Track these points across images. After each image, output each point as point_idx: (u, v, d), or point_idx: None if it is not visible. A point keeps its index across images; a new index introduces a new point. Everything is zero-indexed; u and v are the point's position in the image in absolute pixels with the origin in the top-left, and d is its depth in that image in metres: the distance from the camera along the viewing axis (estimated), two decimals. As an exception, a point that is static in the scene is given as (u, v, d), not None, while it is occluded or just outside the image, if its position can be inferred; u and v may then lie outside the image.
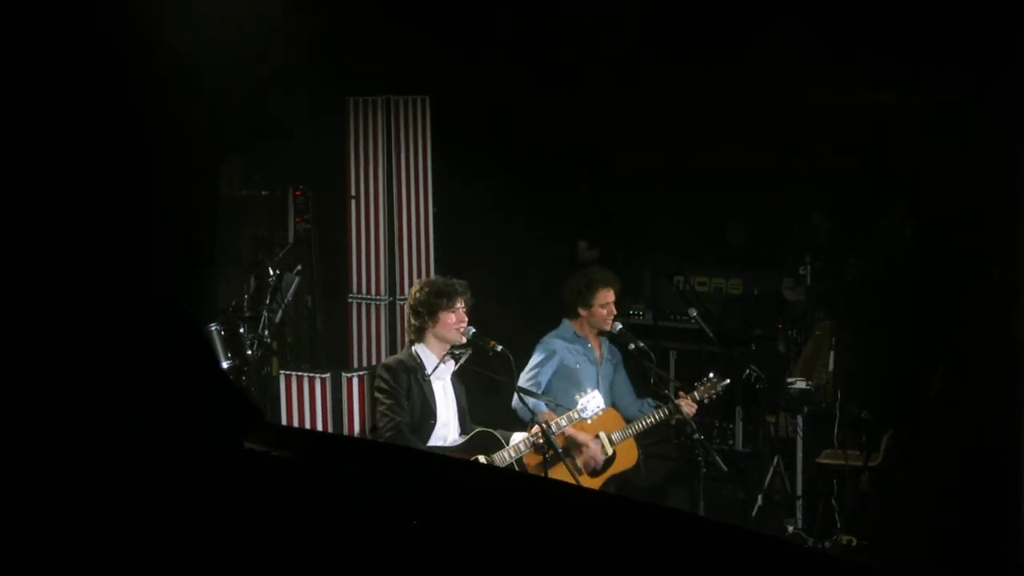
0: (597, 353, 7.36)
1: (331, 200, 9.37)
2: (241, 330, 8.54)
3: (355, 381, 7.84)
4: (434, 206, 8.98)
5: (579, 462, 6.79)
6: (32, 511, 2.35)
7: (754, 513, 7.95)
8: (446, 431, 6.62)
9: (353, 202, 9.04)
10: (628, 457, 7.12)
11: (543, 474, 6.43)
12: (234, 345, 8.46)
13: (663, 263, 9.17)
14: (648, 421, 7.04)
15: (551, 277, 7.72)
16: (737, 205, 9.44)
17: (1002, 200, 5.74)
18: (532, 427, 6.50)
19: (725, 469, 6.90)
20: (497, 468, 6.31)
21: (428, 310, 6.61)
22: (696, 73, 8.16)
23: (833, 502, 7.70)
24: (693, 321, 7.93)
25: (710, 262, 9.52)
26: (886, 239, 8.44)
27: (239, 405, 2.68)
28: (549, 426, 6.38)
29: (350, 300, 9.13)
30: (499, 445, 6.50)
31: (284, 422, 7.82)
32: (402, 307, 8.55)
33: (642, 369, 7.27)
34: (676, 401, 6.97)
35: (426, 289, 6.68)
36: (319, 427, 7.81)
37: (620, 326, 7.22)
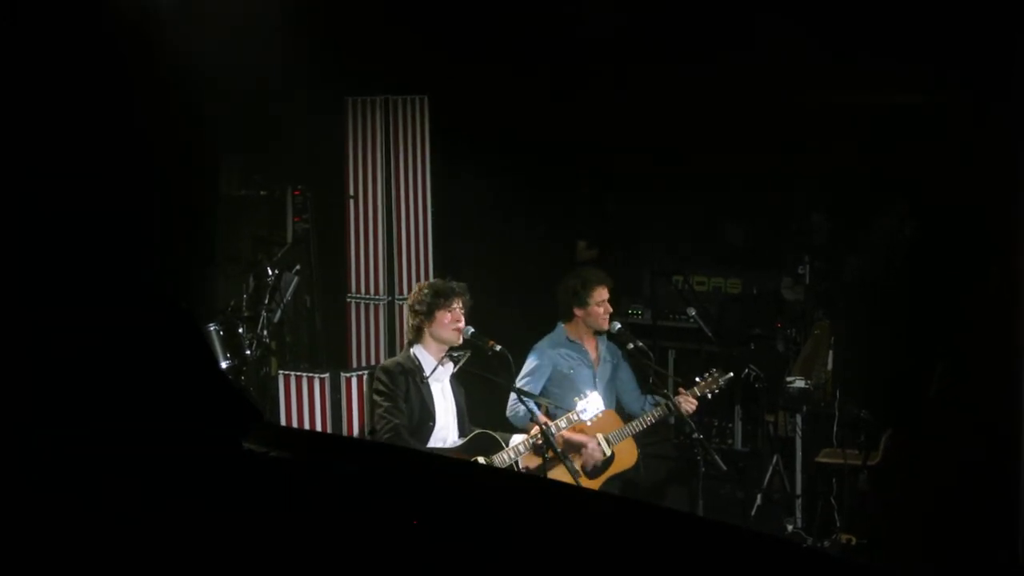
0: (593, 355, 7.34)
1: (330, 200, 9.37)
2: (240, 330, 8.53)
3: (354, 381, 7.84)
4: (432, 206, 8.98)
5: (577, 464, 6.79)
6: (32, 510, 2.35)
7: (753, 512, 7.95)
8: (445, 433, 6.62)
9: (352, 202, 9.04)
10: (628, 457, 7.11)
11: (543, 475, 6.43)
12: (233, 345, 8.45)
13: (662, 263, 9.17)
14: (647, 420, 7.03)
15: (550, 277, 7.71)
16: (736, 205, 9.44)
17: (1002, 200, 5.74)
18: (531, 428, 6.50)
19: (724, 468, 6.89)
20: (497, 468, 6.30)
21: (425, 310, 6.62)
22: (695, 73, 8.16)
23: (832, 501, 7.70)
24: (692, 321, 7.93)
25: (709, 262, 9.52)
26: (885, 239, 8.44)
27: (238, 405, 2.67)
28: (548, 427, 6.38)
29: (349, 300, 9.13)
30: (498, 447, 6.49)
31: (283, 422, 7.81)
32: (401, 307, 8.56)
33: (641, 368, 7.27)
34: (676, 399, 6.96)
35: (424, 290, 6.70)
36: (318, 427, 7.81)
37: (619, 326, 7.21)
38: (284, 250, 9.32)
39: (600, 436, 6.94)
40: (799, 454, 8.17)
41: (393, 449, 5.35)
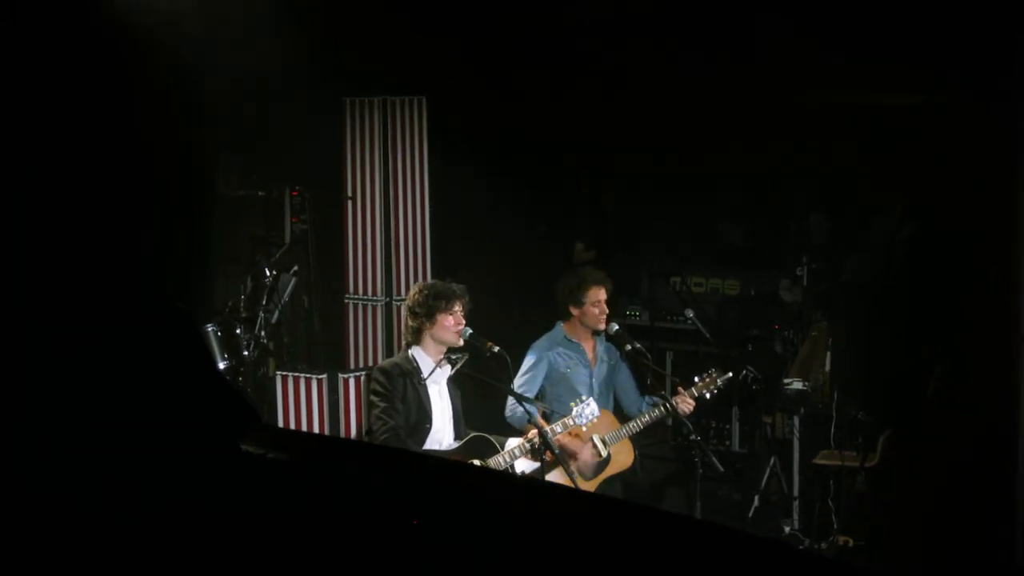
0: (590, 355, 7.33)
1: (328, 200, 9.37)
2: (238, 331, 8.53)
3: (351, 382, 7.84)
4: (430, 207, 8.98)
5: (573, 466, 6.78)
6: (27, 512, 2.35)
7: (750, 514, 7.96)
8: (441, 435, 6.61)
9: (350, 202, 9.04)
10: (625, 458, 7.10)
11: (540, 478, 6.43)
12: (231, 346, 8.46)
13: (660, 264, 9.17)
14: (644, 421, 7.03)
15: (548, 278, 7.71)
16: (735, 206, 9.45)
17: (1002, 200, 5.74)
18: (529, 431, 6.50)
19: (722, 470, 6.89)
20: (494, 470, 6.30)
21: (426, 312, 6.61)
22: (695, 73, 8.15)
23: (830, 503, 7.70)
24: (690, 322, 7.93)
25: (707, 262, 9.53)
26: (884, 239, 8.44)
27: (236, 406, 2.67)
28: (546, 431, 6.38)
29: (347, 301, 9.13)
30: (494, 450, 6.49)
31: (281, 423, 7.81)
32: (398, 308, 8.55)
33: (639, 369, 7.27)
34: (673, 399, 6.96)
35: (424, 292, 6.68)
36: (316, 427, 7.80)
37: (616, 327, 7.21)
38: (282, 251, 9.32)
39: (596, 437, 6.93)
40: (797, 456, 8.18)
41: (391, 451, 5.35)
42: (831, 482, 7.72)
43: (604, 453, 6.94)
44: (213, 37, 7.31)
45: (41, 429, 2.40)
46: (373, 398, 6.55)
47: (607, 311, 7.26)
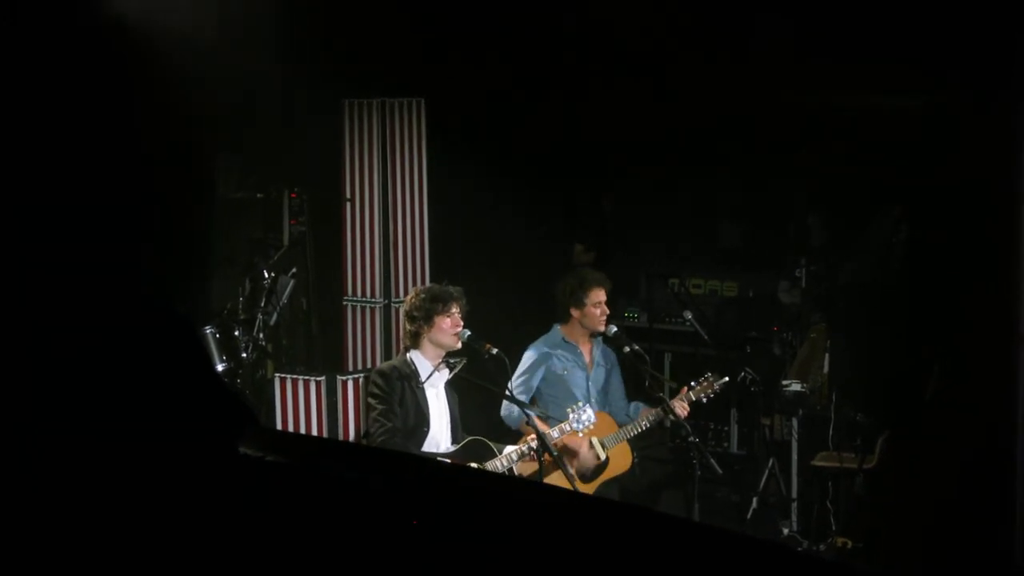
0: (587, 358, 7.33)
1: (326, 202, 9.36)
2: (236, 333, 8.52)
3: (350, 384, 7.84)
4: (429, 209, 8.97)
5: (571, 469, 6.78)
6: (28, 513, 2.34)
7: (749, 516, 7.95)
8: (438, 439, 6.61)
9: (348, 204, 9.03)
10: (623, 460, 7.10)
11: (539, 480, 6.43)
12: (229, 348, 8.44)
13: (658, 265, 9.17)
14: (642, 424, 7.02)
15: (548, 279, 7.71)
16: (734, 207, 9.44)
17: (1002, 201, 5.74)
18: (527, 432, 6.50)
19: (720, 472, 6.89)
20: (492, 473, 6.30)
21: (424, 315, 6.60)
22: (694, 75, 8.15)
23: (828, 505, 7.70)
24: (688, 324, 7.93)
25: (706, 264, 9.52)
26: (883, 240, 8.43)
27: (234, 408, 2.67)
28: (543, 433, 6.37)
29: (345, 303, 9.12)
30: (492, 453, 6.49)
31: (279, 425, 7.81)
32: (397, 310, 8.55)
33: (637, 372, 7.26)
34: (669, 403, 6.95)
35: (421, 295, 6.68)
36: (314, 430, 7.80)
37: (615, 329, 7.20)
38: (280, 253, 9.31)
39: (595, 440, 6.93)
40: (795, 457, 8.17)
41: (390, 453, 5.35)
42: (829, 484, 7.72)
43: (603, 456, 6.94)
44: (213, 37, 7.30)
45: (41, 429, 2.40)
46: (371, 400, 6.55)
47: (608, 312, 7.26)
